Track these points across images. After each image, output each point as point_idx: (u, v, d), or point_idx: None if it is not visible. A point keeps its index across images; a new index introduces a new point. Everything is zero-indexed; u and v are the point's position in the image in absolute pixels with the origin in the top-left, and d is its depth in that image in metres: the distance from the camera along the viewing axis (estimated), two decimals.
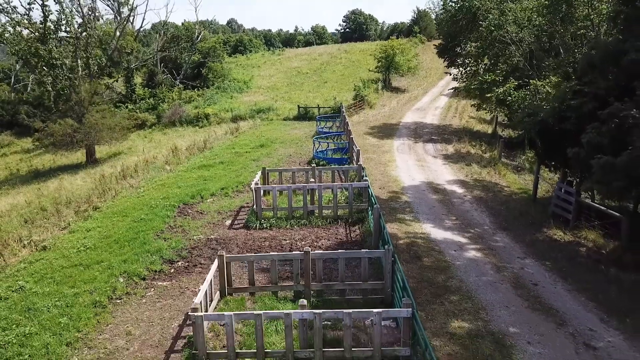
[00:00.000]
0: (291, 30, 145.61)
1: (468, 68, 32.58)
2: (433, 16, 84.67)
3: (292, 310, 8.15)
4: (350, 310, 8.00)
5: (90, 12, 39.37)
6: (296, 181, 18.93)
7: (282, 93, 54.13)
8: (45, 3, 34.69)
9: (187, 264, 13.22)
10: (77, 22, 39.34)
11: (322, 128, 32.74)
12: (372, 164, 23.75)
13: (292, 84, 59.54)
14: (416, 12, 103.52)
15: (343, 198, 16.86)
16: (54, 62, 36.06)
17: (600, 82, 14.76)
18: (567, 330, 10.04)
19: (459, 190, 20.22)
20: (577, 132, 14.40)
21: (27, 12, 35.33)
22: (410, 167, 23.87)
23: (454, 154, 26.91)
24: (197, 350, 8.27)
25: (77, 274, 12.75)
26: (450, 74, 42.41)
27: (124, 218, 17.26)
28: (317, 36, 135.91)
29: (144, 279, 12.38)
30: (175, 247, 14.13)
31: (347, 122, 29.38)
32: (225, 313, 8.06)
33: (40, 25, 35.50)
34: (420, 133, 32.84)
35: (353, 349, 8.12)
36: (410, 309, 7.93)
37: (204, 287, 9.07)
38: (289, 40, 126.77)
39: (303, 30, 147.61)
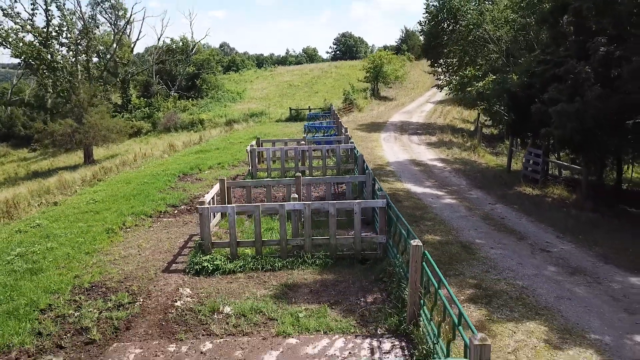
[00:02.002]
0: (283, 54, 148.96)
1: (450, 68, 34.48)
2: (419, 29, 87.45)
3: (285, 202, 9.52)
4: (335, 202, 9.39)
5: (90, 20, 41.07)
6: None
7: (274, 102, 55.92)
8: (49, 8, 36.35)
9: (189, 207, 14.53)
10: (77, 29, 40.97)
11: (312, 123, 34.26)
12: (359, 148, 25.19)
13: (284, 95, 61.42)
14: (404, 31, 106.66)
15: (332, 163, 18.29)
16: (55, 65, 37.56)
17: (561, 52, 16.54)
18: (526, 242, 11.46)
19: (439, 164, 21.76)
20: (541, 96, 16.09)
21: (31, 17, 36.92)
22: (395, 150, 25.43)
23: (436, 142, 28.55)
24: (203, 240, 9.58)
25: (89, 217, 13.97)
26: (438, 86, 44.42)
27: (128, 184, 18.53)
28: (308, 57, 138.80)
29: (150, 216, 13.67)
30: (178, 198, 15.45)
31: (337, 116, 30.97)
32: (228, 205, 9.41)
33: (43, 30, 37.10)
34: (406, 128, 34.53)
35: (337, 237, 9.47)
36: (385, 200, 9.31)
37: (210, 193, 10.41)
38: (281, 62, 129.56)
39: (294, 52, 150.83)
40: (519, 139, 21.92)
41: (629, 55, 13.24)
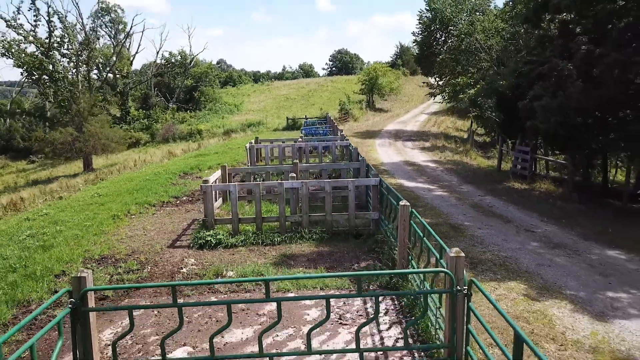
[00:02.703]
0: (279, 70, 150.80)
1: (443, 76, 35.45)
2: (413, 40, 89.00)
3: (284, 181, 10.14)
4: (330, 180, 10.02)
5: (92, 32, 41.97)
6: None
7: (271, 113, 56.77)
8: (51, 19, 37.23)
9: (190, 199, 15.11)
10: (78, 41, 41.83)
11: (309, 128, 34.95)
12: None
13: (280, 107, 62.33)
14: (399, 47, 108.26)
15: (328, 160, 18.94)
16: (57, 76, 38.31)
17: (547, 54, 17.35)
18: (512, 224, 12.09)
19: (432, 165, 22.46)
20: (528, 93, 16.85)
21: (34, 29, 37.76)
22: (389, 153, 26.14)
23: (430, 146, 29.30)
24: (207, 217, 10.17)
25: (94, 207, 14.53)
26: (431, 94, 45.42)
27: (130, 181, 19.11)
28: (305, 73, 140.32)
29: (153, 205, 14.24)
30: (180, 191, 16.04)
31: (333, 122, 31.73)
32: (230, 184, 10.02)
33: (45, 41, 37.92)
34: (400, 135, 35.32)
35: (333, 213, 10.08)
36: (378, 178, 9.96)
37: (213, 176, 11.02)
38: (278, 77, 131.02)
39: (291, 68, 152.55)
40: (509, 142, 22.66)
41: (609, 52, 14.03)
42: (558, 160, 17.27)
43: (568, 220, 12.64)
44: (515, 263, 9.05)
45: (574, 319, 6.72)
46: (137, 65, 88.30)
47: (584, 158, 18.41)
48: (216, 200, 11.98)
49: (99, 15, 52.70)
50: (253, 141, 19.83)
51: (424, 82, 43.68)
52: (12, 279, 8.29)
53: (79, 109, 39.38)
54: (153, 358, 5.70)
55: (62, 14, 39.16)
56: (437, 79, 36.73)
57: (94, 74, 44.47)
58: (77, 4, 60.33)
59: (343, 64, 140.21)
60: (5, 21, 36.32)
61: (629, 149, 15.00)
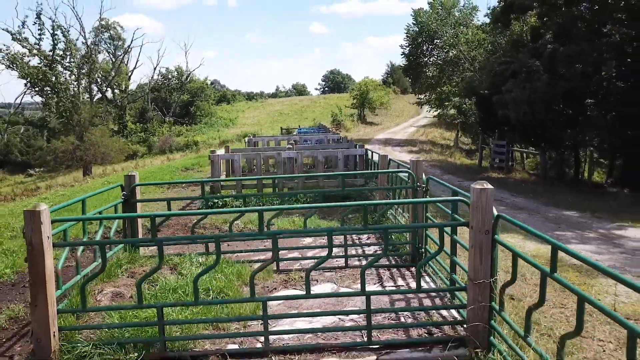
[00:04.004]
0: (273, 91, 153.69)
1: (430, 87, 37.42)
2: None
3: (281, 151, 11.58)
4: (322, 150, 11.47)
5: (94, 46, 43.68)
6: None
7: (265, 126, 58.40)
8: (55, 33, 38.91)
9: (195, 185, 16.48)
10: (80, 54, 43.47)
11: (303, 129, 36.43)
12: None
13: (274, 121, 64.01)
14: (390, 65, 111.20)
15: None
16: (59, 87, 39.83)
17: (519, 56, 19.11)
18: None
19: None
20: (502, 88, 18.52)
21: (38, 42, 39.36)
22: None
23: (417, 150, 30.91)
24: (214, 182, 11.56)
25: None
26: (419, 103, 47.25)
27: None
28: (298, 92, 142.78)
29: (161, 187, 15.60)
30: (183, 179, 17.42)
31: (326, 127, 33.32)
32: (234, 153, 11.45)
33: (49, 54, 39.52)
34: (390, 142, 36.95)
35: (325, 180, 11.51)
36: (364, 149, 11.42)
37: (218, 152, 12.44)
38: (271, 97, 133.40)
39: (284, 87, 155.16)
40: (491, 143, 24.29)
41: (571, 51, 15.76)
42: (531, 150, 18.87)
43: (535, 195, 14.14)
44: None
45: (524, 243, 8.17)
46: (135, 79, 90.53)
47: (556, 153, 20.08)
48: (220, 175, 13.39)
49: (100, 31, 54.40)
50: (251, 136, 21.24)
51: (415, 102, 45.73)
52: None
53: (80, 119, 40.79)
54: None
55: (65, 28, 40.88)
56: (424, 89, 38.66)
57: (95, 86, 45.96)
58: (80, 18, 62.20)
59: (335, 83, 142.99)
60: (11, 34, 37.91)
61: (593, 137, 16.64)
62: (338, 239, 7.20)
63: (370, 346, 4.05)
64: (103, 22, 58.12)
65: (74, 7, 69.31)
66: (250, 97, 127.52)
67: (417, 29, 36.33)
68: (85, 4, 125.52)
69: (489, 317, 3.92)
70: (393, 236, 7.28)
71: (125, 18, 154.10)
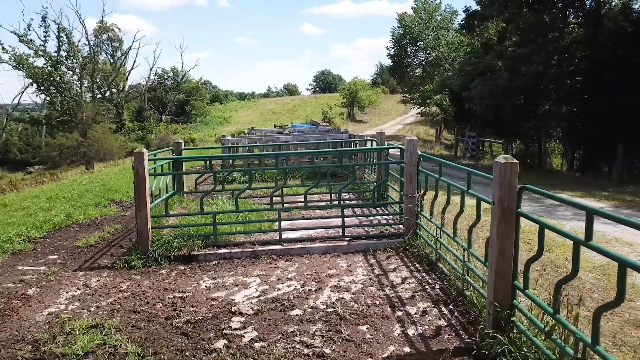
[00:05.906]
0: (264, 91, 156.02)
1: (413, 86, 40.05)
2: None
3: (280, 136, 14.00)
4: (314, 135, 13.90)
5: (96, 47, 45.82)
6: None
7: (259, 124, 60.77)
8: (60, 35, 41.02)
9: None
10: (82, 55, 45.58)
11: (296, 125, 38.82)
12: None
13: (267, 120, 66.41)
14: (379, 66, 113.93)
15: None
16: (64, 86, 41.95)
17: (487, 58, 21.70)
18: (449, 176, 16.08)
19: (395, 152, 26.48)
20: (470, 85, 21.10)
21: (43, 43, 41.42)
22: None
23: (401, 143, 33.42)
24: (224, 162, 13.96)
25: (126, 172, 18.18)
26: (403, 101, 49.88)
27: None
28: (289, 92, 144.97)
29: None
30: (190, 166, 19.77)
31: (318, 123, 35.76)
32: (241, 137, 13.86)
33: (54, 54, 41.63)
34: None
35: (316, 160, 13.94)
36: (348, 133, 13.88)
37: (227, 137, 14.85)
38: (263, 96, 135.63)
39: (276, 88, 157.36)
40: (467, 136, 26.88)
41: (525, 53, 18.34)
42: (497, 141, 21.49)
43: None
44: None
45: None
46: (132, 79, 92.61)
47: (524, 143, 22.67)
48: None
49: (100, 32, 56.47)
50: (249, 130, 23.60)
51: (400, 100, 48.41)
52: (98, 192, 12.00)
53: (83, 116, 42.91)
54: None
55: (69, 30, 42.98)
56: (408, 89, 41.30)
57: (96, 85, 48.13)
58: (83, 21, 64.57)
59: (326, 84, 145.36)
60: (18, 36, 39.96)
61: (549, 129, 19.22)
62: (327, 198, 9.62)
63: (344, 239, 6.52)
64: (101, 25, 60.31)
65: (77, 11, 71.23)
66: (242, 97, 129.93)
67: (402, 32, 38.90)
68: (85, 5, 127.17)
69: (416, 217, 6.39)
70: (367, 192, 9.74)
71: (114, 19, 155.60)
